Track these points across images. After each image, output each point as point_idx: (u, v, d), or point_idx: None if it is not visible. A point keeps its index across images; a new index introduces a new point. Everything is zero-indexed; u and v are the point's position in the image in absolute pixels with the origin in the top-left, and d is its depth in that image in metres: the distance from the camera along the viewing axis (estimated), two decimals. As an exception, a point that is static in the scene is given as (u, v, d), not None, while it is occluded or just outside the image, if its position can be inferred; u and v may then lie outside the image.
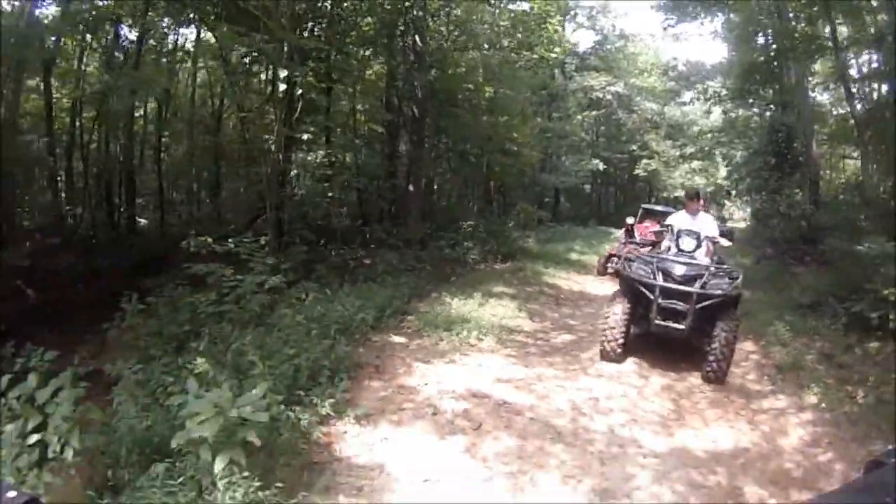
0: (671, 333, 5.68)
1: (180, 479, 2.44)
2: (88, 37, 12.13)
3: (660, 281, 5.66)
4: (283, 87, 7.89)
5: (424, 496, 3.03)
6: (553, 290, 9.78)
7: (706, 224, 6.45)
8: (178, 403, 2.74)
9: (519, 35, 10.39)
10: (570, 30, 23.57)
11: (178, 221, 14.43)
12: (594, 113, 24.85)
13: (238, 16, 8.19)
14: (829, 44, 11.07)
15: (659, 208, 15.57)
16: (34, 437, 2.57)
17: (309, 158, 7.83)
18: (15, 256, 7.50)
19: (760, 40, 14.60)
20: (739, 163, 19.29)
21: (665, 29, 16.69)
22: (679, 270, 5.75)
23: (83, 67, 12.48)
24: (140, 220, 14.15)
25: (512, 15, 10.74)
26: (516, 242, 12.61)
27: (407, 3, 10.16)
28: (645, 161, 25.74)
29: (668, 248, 6.38)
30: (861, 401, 4.56)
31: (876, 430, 4.02)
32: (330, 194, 8.80)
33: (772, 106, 15.15)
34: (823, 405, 4.54)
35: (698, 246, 6.04)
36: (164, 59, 13.75)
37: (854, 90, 12.25)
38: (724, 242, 6.47)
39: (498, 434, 3.84)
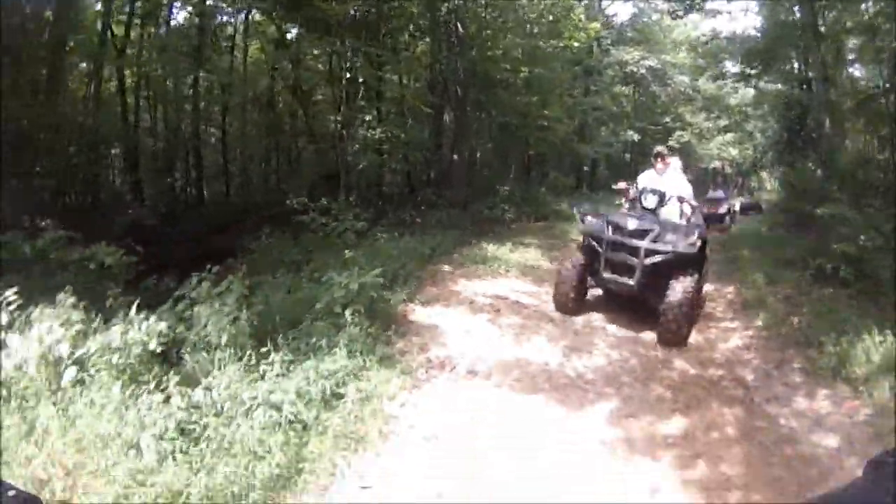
0: (622, 289, 5.78)
1: (320, 328, 4.21)
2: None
3: (609, 233, 5.77)
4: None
5: (462, 340, 4.90)
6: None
7: (674, 183, 6.44)
8: (324, 279, 4.71)
9: (545, 23, 11.90)
10: (607, 2, 24.52)
11: (242, 192, 16.29)
12: (629, 87, 25.85)
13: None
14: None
15: None
16: (224, 309, 4.28)
17: (369, 135, 9.54)
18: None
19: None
20: (763, 138, 20.28)
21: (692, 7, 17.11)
22: (629, 224, 5.80)
23: (141, 52, 14.14)
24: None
25: (541, 7, 12.11)
26: (549, 206, 14.18)
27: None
28: (678, 133, 26.60)
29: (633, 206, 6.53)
30: (796, 325, 6.00)
31: (794, 345, 5.46)
32: (386, 166, 10.72)
33: (793, 83, 16.05)
34: (766, 328, 6.03)
35: (661, 204, 6.06)
36: (225, 44, 15.37)
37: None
38: (691, 203, 6.41)
39: (510, 315, 5.81)
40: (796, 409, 3.90)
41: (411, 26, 12.48)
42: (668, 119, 26.75)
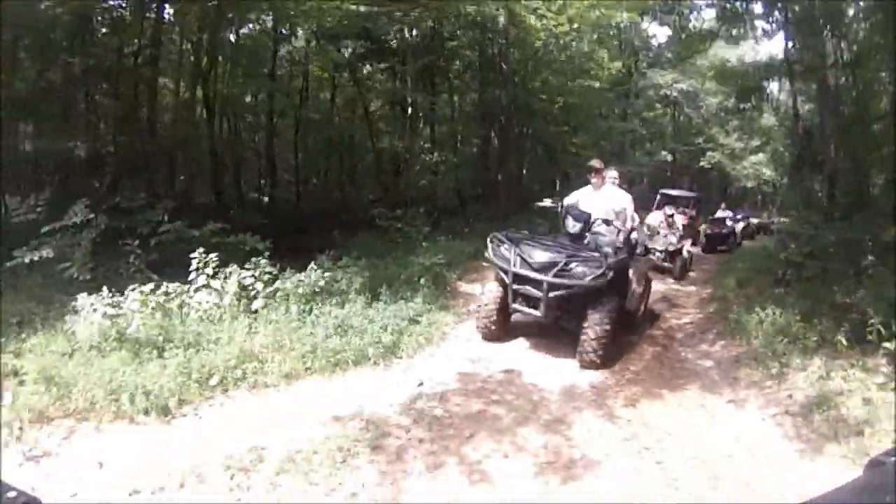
0: (534, 318, 5.64)
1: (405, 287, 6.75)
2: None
3: (515, 266, 5.56)
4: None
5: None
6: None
7: (612, 199, 6.22)
8: (407, 260, 7.17)
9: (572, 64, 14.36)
10: (646, 24, 26.25)
11: (308, 199, 18.43)
12: (666, 108, 27.74)
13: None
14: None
15: (676, 193, 16.28)
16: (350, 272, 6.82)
17: (427, 158, 12.14)
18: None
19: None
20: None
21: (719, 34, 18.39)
22: (534, 256, 5.60)
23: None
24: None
25: (566, 51, 14.47)
26: (581, 217, 16.32)
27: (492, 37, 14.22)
28: (710, 153, 28.24)
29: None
30: (731, 311, 7.78)
31: (723, 321, 7.21)
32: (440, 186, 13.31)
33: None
34: (714, 313, 8.02)
35: (586, 228, 5.87)
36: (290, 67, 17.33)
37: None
38: (621, 223, 6.08)
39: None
40: (695, 350, 6.17)
41: (463, 61, 15.07)
42: (700, 140, 28.51)
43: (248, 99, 16.31)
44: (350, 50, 13.69)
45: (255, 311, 5.70)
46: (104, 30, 11.40)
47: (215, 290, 5.95)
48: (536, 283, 5.45)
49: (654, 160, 27.31)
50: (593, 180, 6.29)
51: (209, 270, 6.00)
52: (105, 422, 4.14)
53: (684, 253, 11.29)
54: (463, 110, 16.33)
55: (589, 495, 3.25)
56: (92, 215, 7.25)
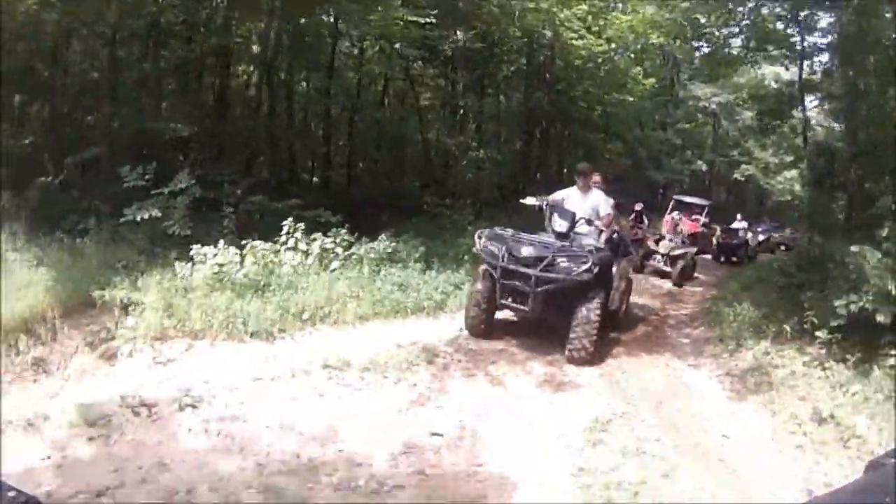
0: (521, 313, 5.94)
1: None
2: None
3: (503, 261, 5.76)
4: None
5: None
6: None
7: (595, 201, 6.52)
8: (455, 241, 8.82)
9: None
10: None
11: (362, 184, 19.84)
12: (705, 118, 28.67)
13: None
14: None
15: (690, 200, 17.02)
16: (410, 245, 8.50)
17: (473, 155, 13.68)
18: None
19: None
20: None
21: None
22: (523, 251, 5.82)
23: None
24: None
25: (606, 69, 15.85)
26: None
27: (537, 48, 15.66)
28: (744, 166, 29.10)
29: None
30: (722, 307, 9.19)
31: (713, 314, 8.80)
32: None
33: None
34: (708, 308, 9.34)
35: (572, 226, 6.08)
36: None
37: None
38: (606, 224, 6.37)
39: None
40: (678, 332, 7.68)
41: (510, 67, 16.55)
42: (736, 152, 29.39)
43: (305, 86, 17.87)
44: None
45: (334, 270, 7.40)
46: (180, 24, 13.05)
47: (301, 251, 7.67)
48: (525, 278, 5.66)
49: (691, 169, 28.32)
50: (580, 182, 6.65)
51: (298, 234, 7.73)
52: (219, 340, 5.84)
53: (687, 259, 11.77)
54: (508, 112, 17.83)
55: (570, 400, 4.86)
56: (193, 181, 9.02)
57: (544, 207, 6.51)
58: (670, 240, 11.99)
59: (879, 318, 5.22)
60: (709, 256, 15.54)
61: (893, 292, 5.30)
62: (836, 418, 4.48)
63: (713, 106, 27.55)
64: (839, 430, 4.35)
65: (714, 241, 16.17)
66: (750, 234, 16.87)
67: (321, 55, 15.09)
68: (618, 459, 3.90)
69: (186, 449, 3.74)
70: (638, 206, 13.42)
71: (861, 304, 5.40)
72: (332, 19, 13.60)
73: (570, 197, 6.57)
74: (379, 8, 11.39)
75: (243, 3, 12.01)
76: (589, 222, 6.27)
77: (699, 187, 30.68)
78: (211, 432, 3.92)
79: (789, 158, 29.42)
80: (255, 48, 14.68)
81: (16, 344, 6.08)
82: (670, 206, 16.36)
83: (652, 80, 17.78)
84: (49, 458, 3.61)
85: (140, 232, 8.78)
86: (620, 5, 16.36)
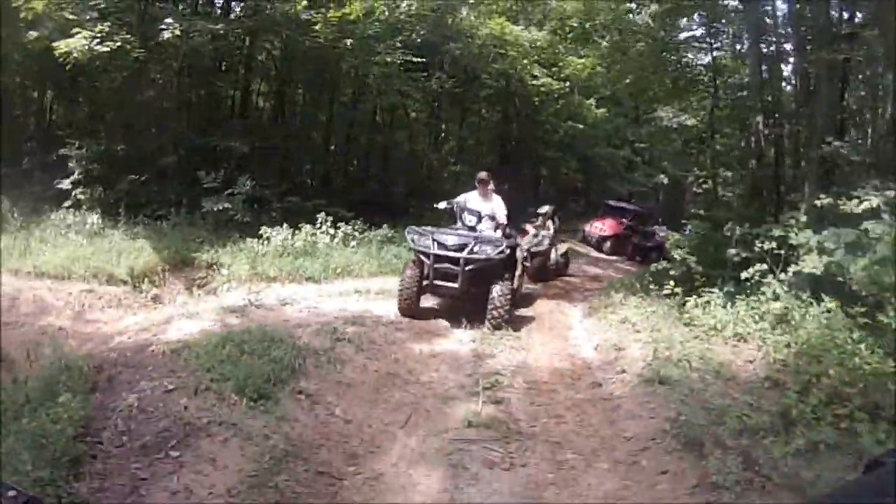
0: (450, 291, 7.72)
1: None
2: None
3: (434, 249, 7.51)
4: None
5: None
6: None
7: (493, 204, 8.38)
8: None
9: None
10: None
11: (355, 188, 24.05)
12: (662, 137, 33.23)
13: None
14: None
15: (619, 205, 19.97)
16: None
17: (453, 169, 18.10)
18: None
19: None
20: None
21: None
22: (450, 241, 7.59)
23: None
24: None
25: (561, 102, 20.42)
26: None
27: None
28: (700, 179, 33.61)
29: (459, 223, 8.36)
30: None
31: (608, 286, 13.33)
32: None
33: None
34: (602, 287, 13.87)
35: (479, 221, 8.04)
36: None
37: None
38: (502, 221, 8.29)
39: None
40: (579, 293, 12.08)
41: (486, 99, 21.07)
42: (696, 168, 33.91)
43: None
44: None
45: (353, 246, 11.77)
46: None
47: (330, 234, 12.02)
48: (454, 261, 7.46)
49: (653, 182, 32.85)
50: (480, 189, 8.57)
51: (328, 222, 12.08)
52: (286, 283, 10.19)
53: (552, 256, 12.95)
54: (484, 134, 22.37)
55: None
56: (251, 185, 13.36)
57: (454, 208, 8.57)
58: (534, 236, 12.79)
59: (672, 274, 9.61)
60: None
61: (692, 266, 9.70)
62: (630, 320, 8.67)
63: (674, 125, 32.02)
64: (628, 324, 8.57)
65: (632, 243, 18.53)
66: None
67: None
68: (523, 332, 8.01)
69: (293, 317, 7.92)
70: (544, 210, 14.02)
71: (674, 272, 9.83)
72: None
73: (472, 198, 8.59)
74: (380, 54, 15.43)
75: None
76: (490, 218, 8.30)
77: (667, 198, 35.44)
78: (303, 311, 8.16)
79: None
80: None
81: (139, 286, 10.37)
82: (602, 210, 19.90)
83: (603, 110, 22.21)
84: (212, 325, 7.53)
85: (208, 219, 13.14)
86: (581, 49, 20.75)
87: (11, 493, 1.12)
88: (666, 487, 3.70)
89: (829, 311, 6.07)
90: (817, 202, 7.92)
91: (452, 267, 7.49)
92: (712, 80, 18.03)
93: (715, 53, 17.81)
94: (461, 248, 7.56)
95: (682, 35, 17.55)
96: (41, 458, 3.42)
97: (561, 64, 19.39)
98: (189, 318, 7.63)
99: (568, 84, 19.50)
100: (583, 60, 18.78)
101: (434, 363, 6.29)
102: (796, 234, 7.20)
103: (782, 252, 7.19)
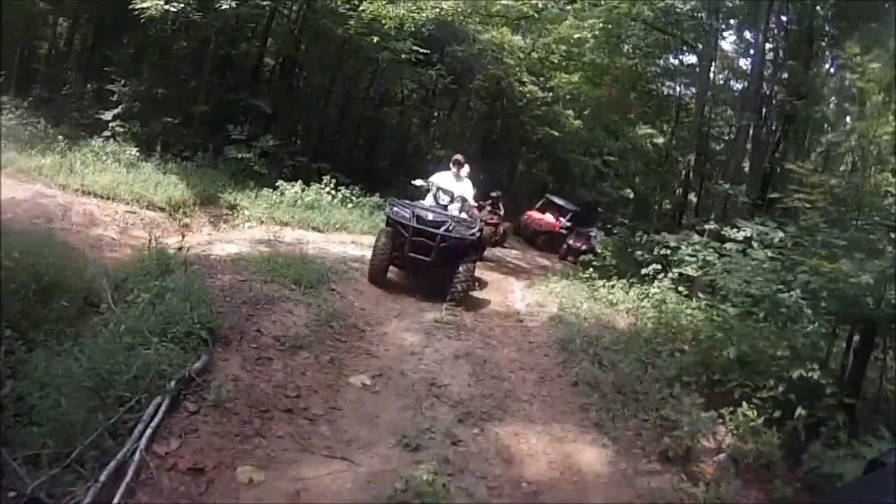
0: (422, 264, 8.49)
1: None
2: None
3: (414, 223, 8.23)
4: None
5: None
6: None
7: (464, 186, 9.34)
8: None
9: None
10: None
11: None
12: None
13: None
14: None
15: (560, 202, 21.43)
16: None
17: (438, 153, 21.15)
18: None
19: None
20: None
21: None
22: (429, 216, 8.38)
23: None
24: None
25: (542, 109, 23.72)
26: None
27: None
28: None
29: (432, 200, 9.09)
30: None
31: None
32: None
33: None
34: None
35: (452, 201, 8.90)
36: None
37: None
38: (471, 203, 9.63)
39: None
40: (527, 273, 15.34)
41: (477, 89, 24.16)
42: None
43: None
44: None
45: (350, 207, 14.80)
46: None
47: (332, 195, 15.02)
48: (430, 236, 8.16)
49: (619, 193, 36.38)
50: (454, 169, 9.52)
51: (332, 184, 15.07)
52: (296, 229, 13.21)
53: (498, 230, 14.88)
54: (471, 122, 25.49)
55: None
56: (272, 142, 16.23)
57: (430, 186, 9.40)
58: (489, 212, 14.32)
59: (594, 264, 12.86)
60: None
61: (608, 260, 12.97)
62: (554, 291, 11.76)
63: (649, 145, 35.49)
64: (553, 294, 11.55)
65: (566, 242, 19.47)
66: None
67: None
68: (478, 290, 11.00)
69: (309, 252, 10.79)
70: (494, 194, 15.20)
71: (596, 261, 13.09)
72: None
73: (446, 179, 9.48)
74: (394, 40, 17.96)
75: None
76: (462, 199, 9.24)
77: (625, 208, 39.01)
78: (315, 249, 11.11)
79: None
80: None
81: (174, 214, 13.17)
82: (541, 203, 21.58)
83: (579, 122, 25.43)
84: (248, 250, 10.46)
85: (229, 165, 15.96)
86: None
87: (11, 493, 1.15)
88: (544, 360, 6.92)
89: (687, 297, 9.32)
90: (707, 226, 11.26)
91: (428, 241, 8.29)
92: (675, 112, 21.55)
93: (680, 89, 21.26)
94: (439, 225, 8.43)
95: (654, 67, 20.67)
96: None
97: (548, 75, 22.52)
98: (227, 243, 10.50)
99: (551, 94, 22.66)
100: (567, 77, 21.84)
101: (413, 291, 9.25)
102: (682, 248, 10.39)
103: (675, 258, 10.26)
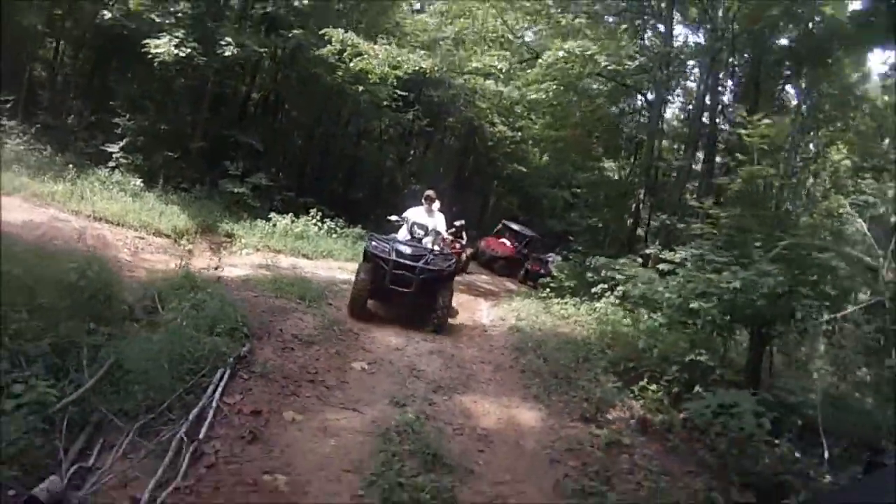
0: (403, 297, 9.15)
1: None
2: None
3: (393, 256, 8.87)
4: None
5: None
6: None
7: (437, 220, 10.00)
8: None
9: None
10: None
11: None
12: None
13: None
14: None
15: (517, 228, 22.38)
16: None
17: (413, 187, 23.32)
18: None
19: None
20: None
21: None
22: (408, 250, 9.07)
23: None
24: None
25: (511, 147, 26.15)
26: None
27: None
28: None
29: (407, 234, 9.83)
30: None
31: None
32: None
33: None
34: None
35: (426, 235, 9.56)
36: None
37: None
38: (444, 237, 10.25)
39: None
40: (494, 296, 17.41)
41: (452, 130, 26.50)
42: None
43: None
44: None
45: (335, 237, 16.79)
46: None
47: (318, 226, 17.00)
48: (411, 269, 8.88)
49: (588, 223, 38.87)
50: (426, 204, 10.13)
51: (318, 216, 17.08)
52: (289, 256, 15.16)
53: (462, 257, 15.96)
54: (445, 158, 27.80)
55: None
56: (264, 177, 18.22)
57: (404, 222, 10.06)
58: (452, 240, 14.82)
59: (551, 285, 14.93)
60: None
61: (563, 281, 15.08)
62: (515, 309, 13.69)
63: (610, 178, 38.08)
64: (514, 310, 13.48)
65: (524, 267, 20.53)
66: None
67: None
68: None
69: (305, 275, 12.78)
70: (458, 223, 16.08)
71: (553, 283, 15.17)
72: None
73: (419, 214, 10.10)
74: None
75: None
76: (436, 233, 9.93)
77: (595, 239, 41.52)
78: (308, 273, 13.00)
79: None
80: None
81: (177, 241, 15.03)
82: (498, 228, 22.79)
83: (546, 159, 27.78)
84: (251, 272, 12.40)
85: (224, 198, 17.86)
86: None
87: (11, 492, 1.29)
88: (501, 357, 8.95)
89: (629, 311, 11.42)
90: (648, 251, 13.46)
91: (408, 274, 8.97)
92: (634, 148, 24.03)
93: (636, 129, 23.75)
94: (418, 258, 9.12)
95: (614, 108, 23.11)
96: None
97: (515, 119, 24.95)
98: (232, 266, 12.50)
99: (520, 134, 25.05)
100: (532, 122, 24.17)
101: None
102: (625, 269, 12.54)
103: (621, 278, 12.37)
